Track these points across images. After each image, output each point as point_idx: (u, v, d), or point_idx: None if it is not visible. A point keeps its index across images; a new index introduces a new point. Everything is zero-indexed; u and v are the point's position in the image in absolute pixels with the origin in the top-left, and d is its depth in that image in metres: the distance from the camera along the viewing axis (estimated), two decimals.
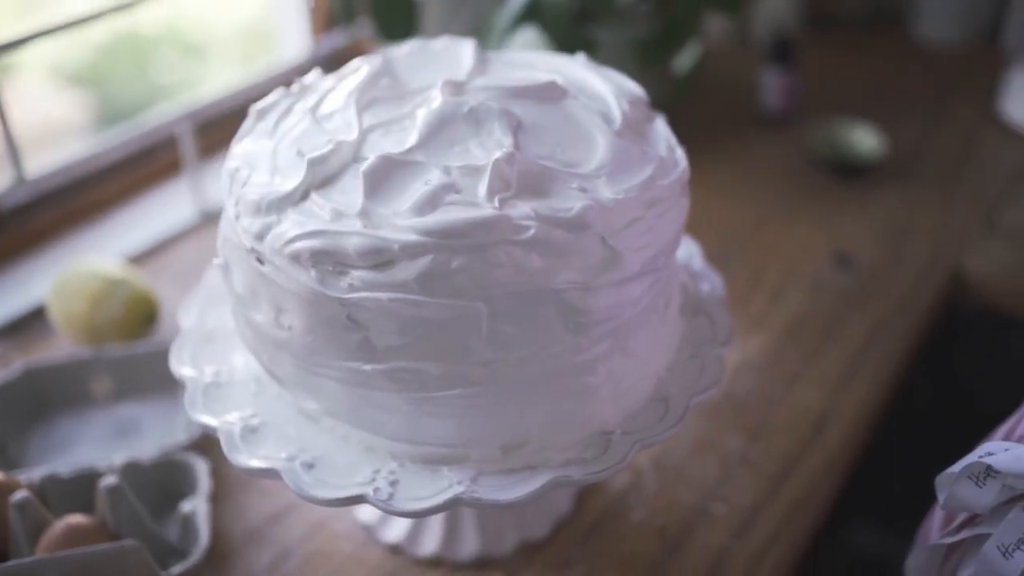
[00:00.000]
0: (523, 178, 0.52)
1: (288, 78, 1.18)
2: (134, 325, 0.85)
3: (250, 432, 0.57)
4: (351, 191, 0.53)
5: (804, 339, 0.90)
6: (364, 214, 0.51)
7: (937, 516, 0.60)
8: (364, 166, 0.52)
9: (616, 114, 0.59)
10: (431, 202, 0.51)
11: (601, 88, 0.62)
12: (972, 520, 0.52)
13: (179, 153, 1.07)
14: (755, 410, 0.81)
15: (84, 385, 0.81)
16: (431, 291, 0.50)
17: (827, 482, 0.76)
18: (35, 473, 0.70)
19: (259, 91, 1.14)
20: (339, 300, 0.51)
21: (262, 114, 0.62)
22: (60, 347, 0.88)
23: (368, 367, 0.53)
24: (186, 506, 0.68)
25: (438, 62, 0.65)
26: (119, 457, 0.71)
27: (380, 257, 0.50)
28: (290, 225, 0.52)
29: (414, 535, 0.69)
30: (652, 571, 0.68)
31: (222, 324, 0.66)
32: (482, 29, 0.97)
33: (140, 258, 1.00)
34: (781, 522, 0.72)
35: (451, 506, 0.52)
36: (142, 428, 0.80)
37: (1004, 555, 0.48)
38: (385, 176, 0.52)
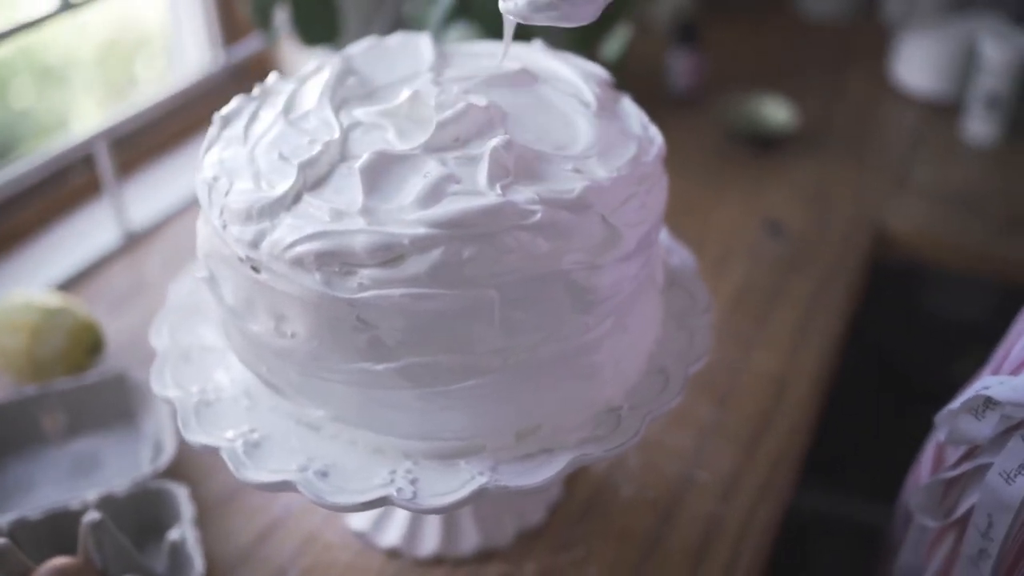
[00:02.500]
0: (520, 163, 0.52)
1: (202, 88, 1.15)
2: (79, 356, 0.81)
3: (253, 447, 0.55)
4: (346, 190, 0.52)
5: (752, 306, 0.93)
6: (366, 211, 0.50)
7: (928, 456, 0.63)
8: (360, 163, 0.51)
9: (590, 96, 0.60)
10: (434, 194, 0.50)
11: (567, 72, 0.63)
12: (970, 454, 0.55)
13: (96, 173, 1.02)
14: (720, 378, 0.83)
15: (33, 424, 0.77)
16: (443, 283, 0.49)
17: (797, 441, 0.79)
18: (1, 520, 0.66)
19: (172, 104, 1.10)
20: (348, 301, 0.50)
21: (227, 121, 0.60)
22: None
23: (379, 367, 0.52)
24: (173, 534, 0.65)
25: (398, 58, 0.65)
26: (92, 492, 0.68)
27: (390, 253, 0.49)
28: (287, 230, 0.51)
29: (412, 536, 0.68)
30: (650, 543, 0.69)
31: (198, 341, 0.64)
32: (410, 28, 0.97)
33: (67, 286, 0.95)
34: (763, 483, 0.74)
35: (477, 498, 0.52)
36: (102, 461, 0.76)
37: (1007, 481, 0.51)
38: (381, 172, 0.52)
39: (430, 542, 0.68)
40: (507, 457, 0.55)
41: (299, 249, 0.50)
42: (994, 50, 1.14)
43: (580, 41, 0.96)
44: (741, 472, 0.75)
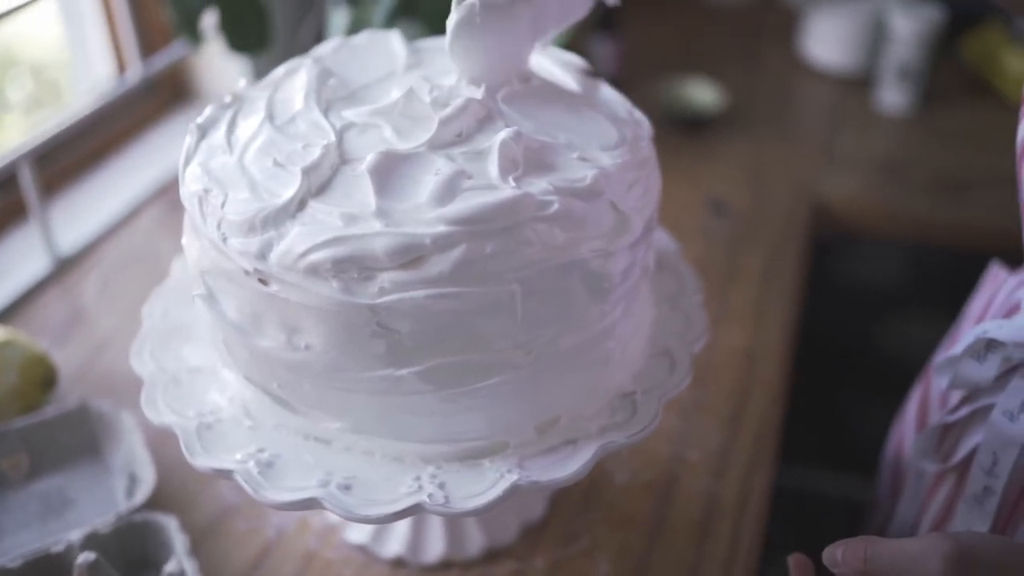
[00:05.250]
0: (527, 155, 0.52)
1: (120, 102, 1.10)
2: (33, 392, 0.76)
3: (267, 467, 0.53)
4: (354, 192, 0.50)
5: (710, 284, 0.94)
6: (382, 213, 0.48)
7: (912, 407, 0.66)
8: (367, 164, 0.50)
9: (574, 85, 0.60)
10: (449, 191, 0.49)
11: (545, 62, 0.63)
12: (968, 399, 0.58)
13: (16, 197, 0.96)
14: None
15: None
16: (466, 280, 0.48)
17: (775, 411, 0.81)
18: None
19: (92, 119, 1.05)
20: (368, 307, 0.48)
21: (203, 130, 0.57)
22: None
23: (401, 372, 0.50)
24: (170, 567, 0.62)
25: (371, 57, 0.63)
26: (75, 532, 0.64)
27: (411, 254, 0.48)
28: (297, 238, 0.49)
29: (416, 544, 0.67)
30: (652, 526, 0.70)
31: (184, 364, 0.61)
32: (348, 31, 0.94)
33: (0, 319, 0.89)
34: (751, 456, 0.76)
35: (512, 495, 0.51)
36: (72, 499, 0.72)
37: (1011, 419, 0.53)
38: (389, 172, 0.50)
39: (435, 548, 0.67)
40: (531, 452, 0.54)
41: (313, 257, 0.48)
42: (903, 22, 1.19)
43: None
44: (729, 447, 0.76)
